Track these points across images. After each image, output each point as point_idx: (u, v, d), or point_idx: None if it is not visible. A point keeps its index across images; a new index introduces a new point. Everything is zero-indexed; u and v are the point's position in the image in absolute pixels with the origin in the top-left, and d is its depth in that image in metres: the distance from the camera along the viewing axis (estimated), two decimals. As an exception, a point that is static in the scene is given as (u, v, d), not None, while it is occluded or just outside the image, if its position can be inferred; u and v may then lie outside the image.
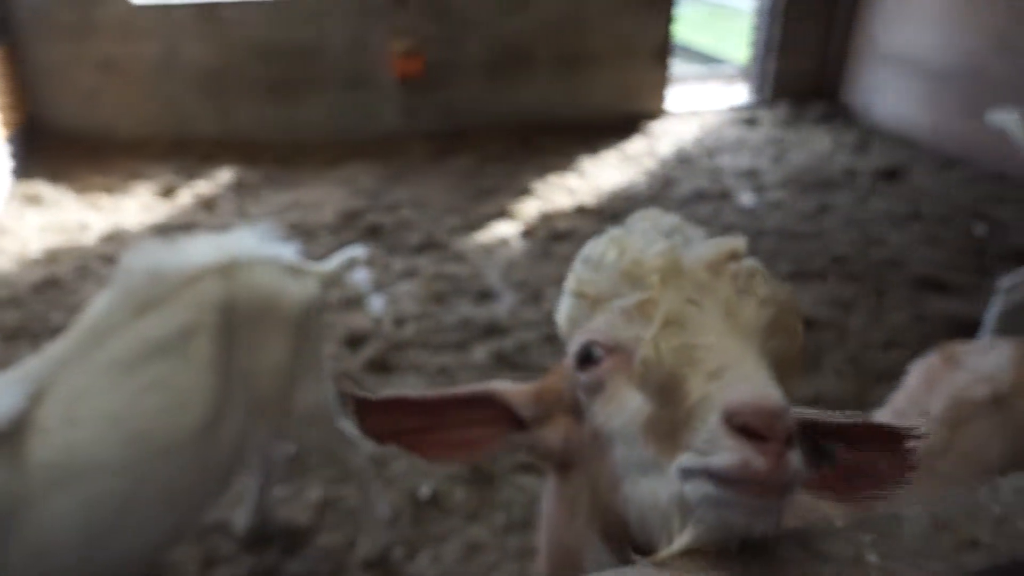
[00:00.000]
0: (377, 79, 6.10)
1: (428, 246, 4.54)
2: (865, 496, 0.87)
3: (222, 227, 4.54)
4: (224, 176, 5.39)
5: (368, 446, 2.49)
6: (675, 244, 0.86)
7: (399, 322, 3.79)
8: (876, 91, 6.80)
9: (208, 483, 1.98)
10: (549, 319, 3.81)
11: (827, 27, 7.09)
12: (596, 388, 0.85)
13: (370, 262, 4.33)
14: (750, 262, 0.85)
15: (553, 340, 3.65)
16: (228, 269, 2.02)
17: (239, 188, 5.22)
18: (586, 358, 0.85)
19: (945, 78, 6.13)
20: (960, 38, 5.97)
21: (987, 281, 4.17)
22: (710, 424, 0.70)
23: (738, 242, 0.86)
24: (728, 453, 0.68)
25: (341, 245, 4.40)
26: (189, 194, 5.10)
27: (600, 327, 0.86)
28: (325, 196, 5.12)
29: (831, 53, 7.17)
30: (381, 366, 3.47)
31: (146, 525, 1.84)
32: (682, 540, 0.72)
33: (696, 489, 0.71)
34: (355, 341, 3.62)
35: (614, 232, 0.92)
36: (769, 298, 0.82)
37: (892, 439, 0.87)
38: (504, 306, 3.95)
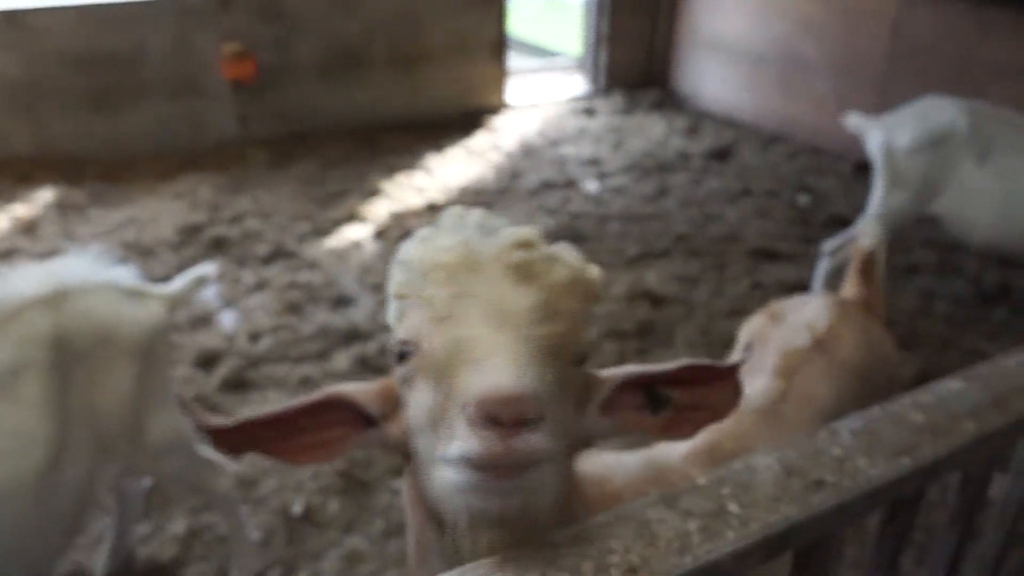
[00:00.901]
0: (206, 85, 5.82)
1: (278, 256, 4.39)
2: (705, 426, 0.96)
3: (47, 253, 4.20)
4: (44, 197, 4.99)
5: (232, 468, 2.39)
6: (462, 240, 0.90)
7: (254, 337, 3.65)
8: (701, 77, 7.20)
9: (56, 530, 1.82)
10: (409, 319, 3.79)
11: (652, 19, 7.43)
12: (407, 383, 0.90)
13: (218, 277, 4.14)
14: (545, 250, 0.90)
15: (415, 340, 3.63)
16: (55, 299, 1.86)
17: (62, 209, 4.84)
18: (401, 355, 0.90)
19: (761, 62, 6.57)
20: (772, 24, 6.41)
21: (813, 247, 4.53)
22: (455, 414, 0.78)
23: (527, 232, 0.91)
24: (463, 441, 0.75)
25: (184, 262, 4.19)
26: (5, 218, 4.68)
27: (409, 325, 0.90)
28: (161, 211, 4.84)
29: (658, 43, 7.52)
30: (238, 384, 3.33)
31: (-14, 581, 1.68)
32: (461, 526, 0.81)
33: (450, 476, 0.78)
34: (208, 361, 3.45)
35: (422, 232, 0.96)
36: (542, 285, 0.87)
37: (717, 374, 0.96)
38: (363, 311, 3.89)
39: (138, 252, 4.30)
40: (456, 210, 1.00)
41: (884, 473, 0.89)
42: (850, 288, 2.18)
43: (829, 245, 3.75)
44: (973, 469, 1.10)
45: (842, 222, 4.83)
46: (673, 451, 1.50)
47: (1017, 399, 1.04)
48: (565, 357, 0.86)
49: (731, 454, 1.50)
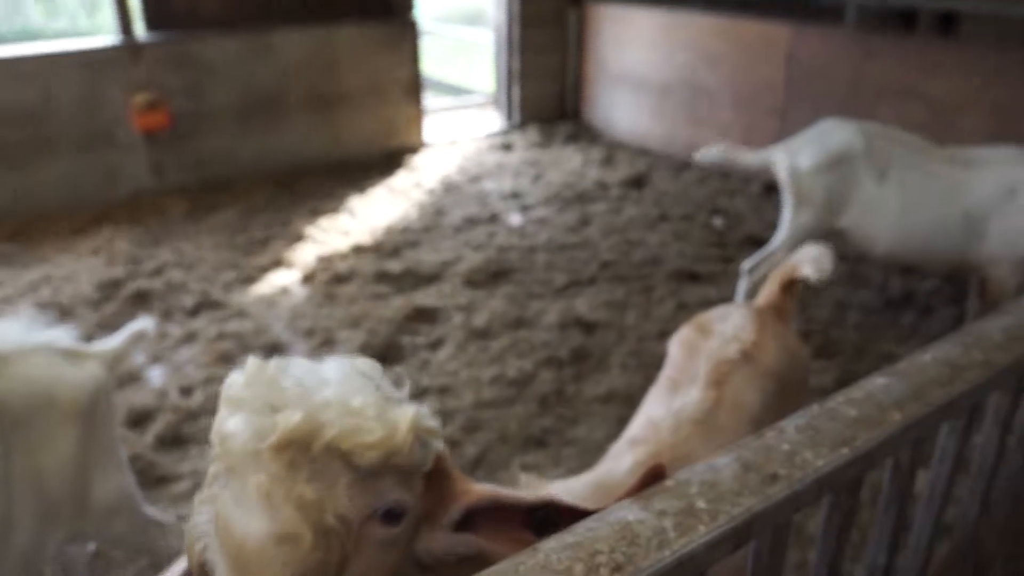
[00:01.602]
0: (117, 137, 5.71)
1: (204, 306, 4.32)
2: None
3: (-43, 318, 4.02)
4: (-51, 261, 4.79)
5: (178, 527, 2.33)
6: (228, 430, 0.86)
7: (185, 391, 3.58)
8: (613, 109, 7.46)
9: (1, 600, 1.77)
10: (346, 361, 3.78)
11: (561, 55, 7.68)
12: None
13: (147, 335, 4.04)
14: (324, 439, 0.84)
15: (353, 381, 3.63)
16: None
17: (-30, 272, 4.65)
18: None
19: (668, 92, 6.86)
20: (676, 56, 6.72)
21: (731, 266, 4.74)
22: None
23: (308, 423, 0.84)
24: None
25: (105, 319, 4.08)
26: (-93, 286, 4.47)
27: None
28: (77, 268, 4.71)
29: (569, 78, 7.77)
30: (174, 441, 3.26)
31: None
32: None
33: None
34: (140, 420, 3.37)
35: (231, 391, 0.91)
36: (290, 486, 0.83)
37: (572, 515, 0.92)
38: (297, 356, 3.85)
39: (56, 311, 4.16)
40: (255, 372, 0.91)
41: (828, 463, 0.98)
42: (765, 295, 2.31)
43: (747, 264, 3.94)
44: (902, 455, 1.21)
45: (756, 241, 5.07)
46: (617, 469, 1.58)
47: (934, 390, 1.16)
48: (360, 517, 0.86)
49: (670, 462, 1.58)
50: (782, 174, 3.78)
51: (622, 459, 1.65)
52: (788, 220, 3.80)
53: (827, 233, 3.73)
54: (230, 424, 0.86)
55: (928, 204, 3.47)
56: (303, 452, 0.83)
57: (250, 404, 0.87)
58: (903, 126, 4.46)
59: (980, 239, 3.42)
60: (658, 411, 1.81)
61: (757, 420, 1.80)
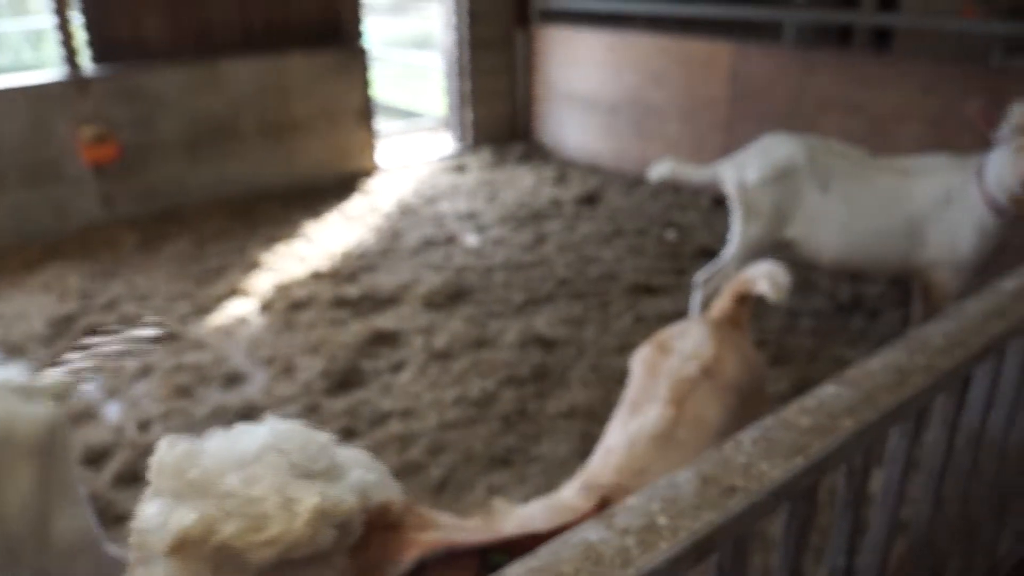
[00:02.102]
0: (65, 171, 5.61)
1: (161, 339, 4.26)
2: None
3: (-99, 362, 3.90)
4: None
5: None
6: (150, 511, 0.86)
7: (143, 426, 3.52)
8: (563, 128, 7.56)
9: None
10: (307, 391, 3.76)
11: (511, 77, 7.76)
12: None
13: (98, 366, 3.98)
14: (216, 539, 0.84)
15: (316, 410, 3.61)
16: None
17: (-87, 314, 4.52)
18: None
19: (616, 111, 6.98)
20: (623, 76, 6.84)
21: (685, 278, 4.82)
22: None
23: (200, 525, 0.84)
24: None
25: (59, 357, 4.00)
26: None
27: None
28: (27, 305, 4.60)
29: (519, 99, 7.85)
30: (132, 478, 3.20)
31: None
32: None
33: None
34: (97, 457, 3.30)
35: (150, 472, 0.90)
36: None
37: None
38: (257, 386, 3.83)
39: (7, 350, 4.07)
40: (165, 457, 0.91)
41: (784, 473, 1.02)
42: (720, 308, 2.36)
43: (700, 276, 4.02)
44: (855, 461, 1.26)
45: (708, 252, 5.17)
46: (574, 489, 1.61)
47: (884, 395, 1.21)
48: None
49: (630, 482, 1.61)
50: (729, 188, 3.87)
51: (576, 479, 1.67)
52: (737, 232, 3.89)
53: (776, 244, 3.83)
54: (140, 514, 0.85)
55: (870, 213, 3.59)
56: (200, 550, 0.83)
57: (160, 492, 0.86)
58: (844, 138, 4.62)
59: (920, 245, 3.54)
60: (620, 432, 1.84)
61: (720, 435, 1.84)
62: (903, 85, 5.08)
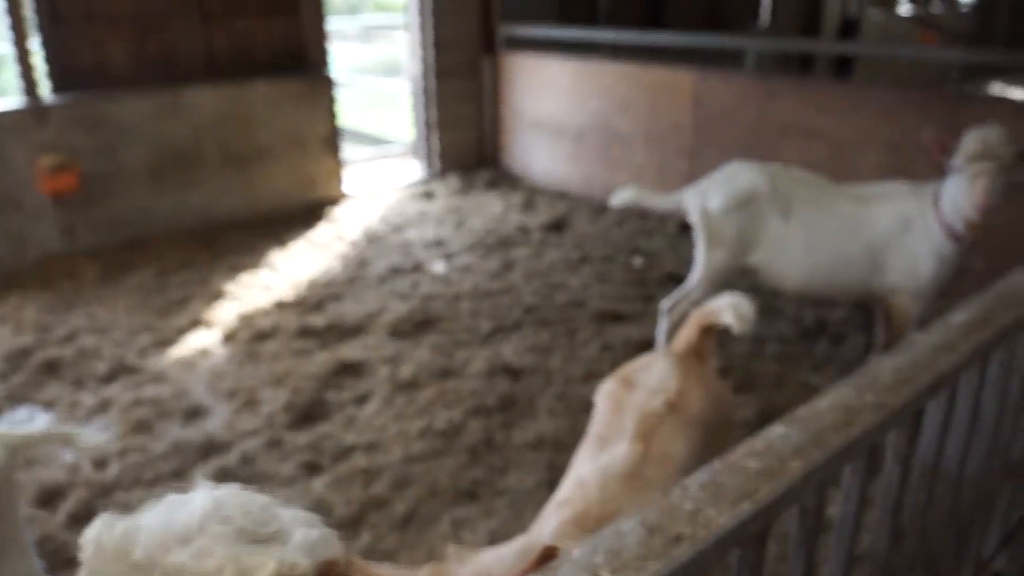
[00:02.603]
0: (23, 201, 5.52)
1: (119, 372, 4.17)
2: None
3: None
4: None
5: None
6: None
7: (100, 464, 3.43)
8: (530, 155, 7.59)
9: None
10: (270, 423, 3.70)
11: (478, 104, 7.80)
12: None
13: (52, 403, 3.88)
14: None
15: (278, 444, 3.55)
16: None
17: None
18: None
19: (582, 138, 7.03)
20: (589, 103, 6.90)
21: (652, 305, 4.84)
22: None
23: None
24: None
25: (14, 390, 3.91)
26: None
27: None
28: (-19, 340, 4.49)
29: (486, 126, 7.88)
30: (88, 518, 3.09)
31: None
32: None
33: None
34: (50, 497, 3.21)
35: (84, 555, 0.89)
36: None
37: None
38: (218, 420, 3.76)
39: (-42, 387, 3.96)
40: (102, 541, 0.90)
41: (731, 520, 1.01)
42: (684, 338, 2.36)
43: (666, 303, 4.04)
44: (807, 501, 1.25)
45: (675, 278, 5.20)
46: (544, 530, 1.59)
47: (831, 436, 1.21)
48: None
49: (598, 519, 1.60)
50: (693, 216, 3.90)
51: (549, 522, 1.65)
52: (702, 259, 3.91)
53: (740, 270, 3.86)
54: None
55: (830, 240, 3.62)
56: None
57: None
58: (805, 164, 4.68)
59: (880, 272, 3.58)
60: (586, 469, 1.82)
61: (685, 470, 1.83)
62: (862, 111, 5.18)
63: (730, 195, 3.76)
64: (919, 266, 3.49)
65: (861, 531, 1.50)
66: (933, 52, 7.50)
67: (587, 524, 1.60)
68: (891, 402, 1.33)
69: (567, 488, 1.81)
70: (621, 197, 4.08)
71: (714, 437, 2.02)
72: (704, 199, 3.86)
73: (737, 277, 3.91)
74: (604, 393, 2.10)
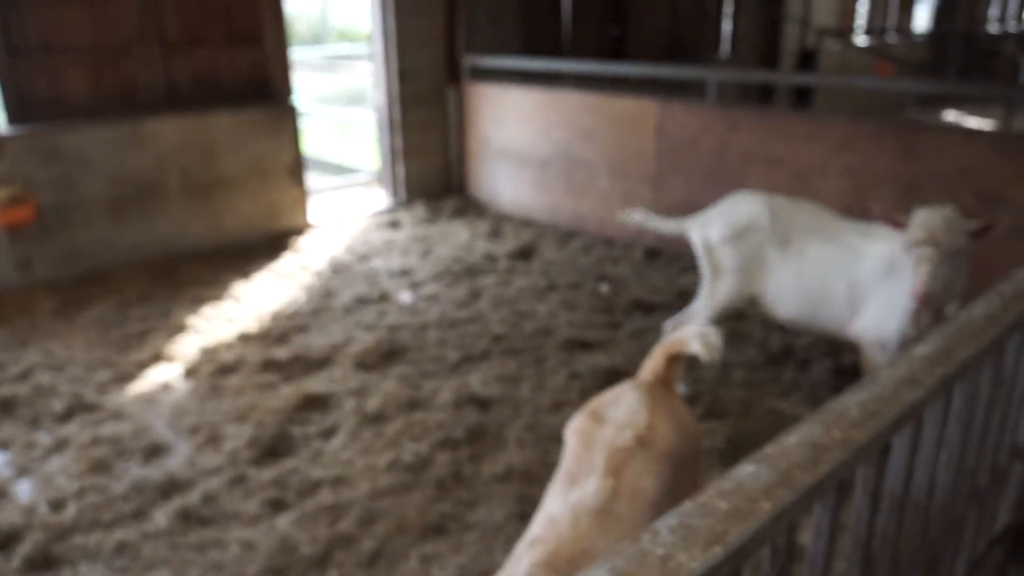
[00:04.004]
0: (-22, 234, 5.39)
1: (77, 410, 4.06)
2: None
3: None
4: None
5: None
6: None
7: (56, 505, 3.32)
8: (496, 183, 7.61)
9: None
10: (234, 460, 3.62)
11: (443, 133, 7.82)
12: None
13: (6, 443, 3.77)
14: None
15: (242, 481, 3.47)
16: None
17: None
18: None
19: (548, 166, 7.07)
20: (553, 132, 6.95)
21: (620, 332, 4.84)
22: None
23: None
24: None
25: (-36, 432, 3.78)
26: None
27: None
28: (-69, 378, 4.35)
29: (452, 155, 7.90)
30: (44, 563, 3.00)
31: None
32: None
33: None
34: (6, 541, 3.10)
35: None
36: None
37: None
38: (179, 457, 3.67)
39: (-94, 428, 3.82)
40: None
41: (702, 566, 1.00)
42: (651, 368, 2.36)
43: (670, 323, 4.12)
44: (777, 540, 1.24)
45: (642, 305, 5.22)
46: (517, 572, 1.56)
47: (799, 474, 1.21)
48: None
49: (570, 558, 1.58)
50: (696, 245, 3.99)
51: (521, 563, 1.63)
52: (707, 288, 4.00)
53: (745, 299, 3.90)
54: None
55: (819, 272, 3.61)
56: None
57: None
58: (768, 189, 4.75)
59: (855, 314, 3.53)
60: (557, 506, 1.80)
61: (657, 505, 1.81)
62: (821, 140, 5.28)
63: (730, 225, 3.82)
64: (889, 317, 3.38)
65: (834, 557, 1.49)
66: (889, 82, 7.69)
67: (559, 564, 1.58)
68: (858, 438, 1.33)
69: (538, 526, 1.78)
70: (634, 217, 4.25)
71: (684, 469, 2.02)
72: (705, 229, 3.92)
73: (744, 305, 3.98)
74: (573, 429, 2.08)
